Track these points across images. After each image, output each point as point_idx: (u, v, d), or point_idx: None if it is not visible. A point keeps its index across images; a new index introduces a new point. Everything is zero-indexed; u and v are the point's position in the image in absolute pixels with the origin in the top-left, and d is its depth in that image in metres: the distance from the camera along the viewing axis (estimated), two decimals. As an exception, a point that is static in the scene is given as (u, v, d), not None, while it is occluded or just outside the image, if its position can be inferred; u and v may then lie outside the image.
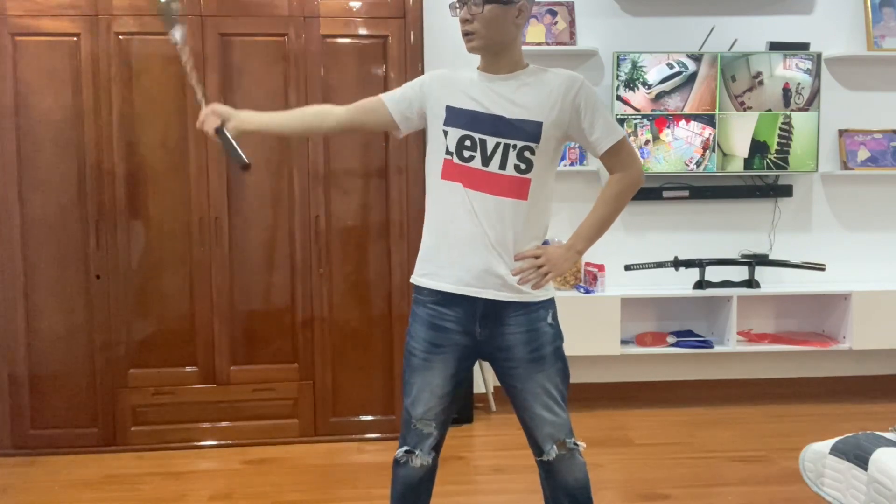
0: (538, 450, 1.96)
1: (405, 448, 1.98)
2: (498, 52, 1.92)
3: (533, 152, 1.89)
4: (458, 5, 1.90)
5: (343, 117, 2.04)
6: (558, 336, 1.96)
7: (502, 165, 1.88)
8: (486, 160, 1.89)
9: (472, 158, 1.89)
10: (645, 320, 4.02)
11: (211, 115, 2.00)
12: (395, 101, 2.02)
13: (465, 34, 1.90)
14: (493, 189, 1.89)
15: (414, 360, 1.96)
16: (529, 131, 1.88)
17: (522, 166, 1.89)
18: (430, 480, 2.02)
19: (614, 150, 1.94)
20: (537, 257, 1.92)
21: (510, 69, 1.92)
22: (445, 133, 1.93)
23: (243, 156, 1.97)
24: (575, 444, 1.94)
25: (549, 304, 1.96)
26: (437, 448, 1.99)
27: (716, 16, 3.93)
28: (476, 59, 1.97)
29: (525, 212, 1.90)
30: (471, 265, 1.89)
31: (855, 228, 4.09)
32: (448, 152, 1.92)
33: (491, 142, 1.89)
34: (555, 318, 1.97)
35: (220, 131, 1.99)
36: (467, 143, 1.90)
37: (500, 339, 1.92)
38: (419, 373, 1.95)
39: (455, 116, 1.92)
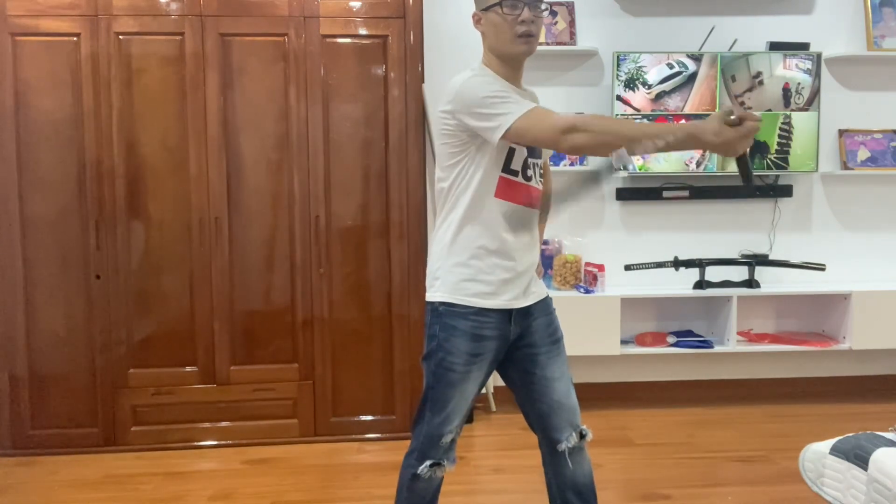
0: (552, 441, 1.95)
1: (430, 462, 1.91)
2: (525, 62, 1.94)
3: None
4: (527, 4, 1.83)
5: None
6: None
7: (538, 180, 1.96)
8: (536, 178, 1.95)
9: (531, 178, 1.93)
10: (645, 320, 4.02)
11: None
12: None
13: (529, 35, 1.85)
14: (537, 202, 1.97)
15: (453, 375, 1.88)
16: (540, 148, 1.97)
17: (541, 179, 1.98)
18: (441, 483, 2.02)
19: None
20: None
21: (521, 83, 1.96)
22: (512, 150, 1.88)
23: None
24: (586, 429, 1.99)
25: None
26: None
27: (716, 16, 3.93)
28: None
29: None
30: (526, 280, 1.95)
31: (855, 228, 4.09)
32: (511, 171, 1.88)
33: (531, 160, 1.93)
34: None
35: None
36: (529, 161, 1.92)
37: (526, 330, 1.96)
38: (458, 387, 1.89)
39: None
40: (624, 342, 3.85)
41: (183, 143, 3.31)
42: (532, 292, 1.96)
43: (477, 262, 1.88)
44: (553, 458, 1.97)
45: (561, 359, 1.98)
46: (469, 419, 3.69)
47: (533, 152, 1.93)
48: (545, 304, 2.00)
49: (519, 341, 1.96)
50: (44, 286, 3.31)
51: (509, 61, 1.89)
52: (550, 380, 1.94)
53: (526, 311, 1.95)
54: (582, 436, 1.96)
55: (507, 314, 1.91)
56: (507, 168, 1.87)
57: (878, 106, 4.04)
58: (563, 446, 1.93)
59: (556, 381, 1.95)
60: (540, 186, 1.96)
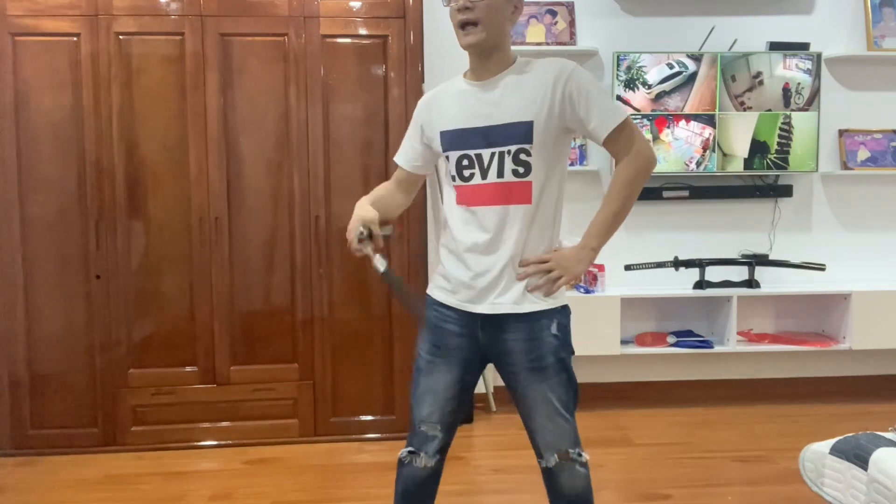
0: (538, 455, 1.94)
1: (409, 449, 1.97)
2: (490, 51, 1.82)
3: (529, 153, 1.80)
4: None
5: (403, 199, 2.05)
6: (563, 347, 1.85)
7: (500, 174, 1.81)
8: (484, 173, 1.83)
9: (472, 176, 1.85)
10: (645, 320, 4.02)
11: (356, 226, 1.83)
12: (410, 161, 2.01)
13: (464, 24, 1.77)
14: (497, 199, 1.83)
15: (419, 361, 1.95)
16: (521, 133, 1.79)
17: (521, 170, 1.81)
18: (435, 482, 2.01)
19: (615, 135, 1.79)
20: (545, 262, 1.85)
21: (497, 70, 1.84)
22: (448, 159, 1.90)
23: (417, 304, 1.89)
24: (578, 454, 1.87)
25: (555, 312, 1.86)
26: (442, 451, 1.97)
27: (716, 16, 3.93)
28: (464, 63, 1.93)
29: (532, 216, 1.83)
30: (483, 284, 1.86)
31: (855, 228, 4.09)
32: (452, 177, 1.89)
33: (486, 154, 1.83)
34: (562, 328, 1.86)
35: (386, 275, 1.83)
36: (465, 162, 1.86)
37: (501, 344, 1.87)
38: (424, 375, 1.94)
39: (449, 140, 1.88)
40: (624, 342, 3.85)
41: (183, 143, 3.31)
42: (495, 302, 1.84)
43: (446, 261, 1.95)
44: (542, 470, 1.95)
45: (544, 386, 1.82)
46: (469, 419, 3.70)
47: (467, 144, 1.84)
48: (532, 327, 1.83)
49: (498, 353, 1.89)
50: (44, 286, 3.31)
51: (469, 55, 1.87)
52: (532, 402, 1.86)
53: (497, 324, 1.86)
54: (573, 459, 1.86)
55: (472, 316, 1.88)
56: (450, 176, 1.91)
57: (878, 106, 4.04)
58: (543, 464, 1.91)
59: (538, 405, 1.85)
60: (490, 180, 1.82)
